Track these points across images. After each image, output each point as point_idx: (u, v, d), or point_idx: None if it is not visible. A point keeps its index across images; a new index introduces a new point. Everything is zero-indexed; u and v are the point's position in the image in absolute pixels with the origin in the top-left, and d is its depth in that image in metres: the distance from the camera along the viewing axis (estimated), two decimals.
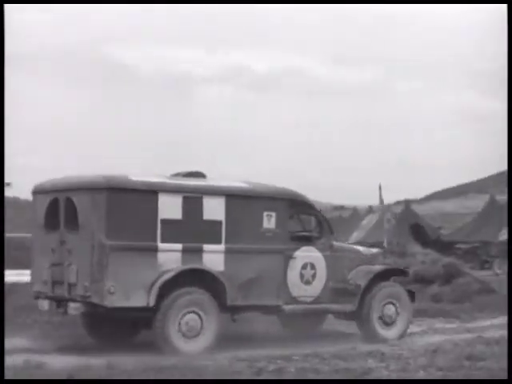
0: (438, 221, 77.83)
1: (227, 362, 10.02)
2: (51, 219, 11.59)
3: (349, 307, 12.65)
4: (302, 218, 12.90)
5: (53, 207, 11.59)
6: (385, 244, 29.51)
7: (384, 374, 9.06)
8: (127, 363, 9.50)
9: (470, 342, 11.52)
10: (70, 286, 11.07)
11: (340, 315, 13.11)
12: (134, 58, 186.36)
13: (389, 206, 40.63)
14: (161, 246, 11.11)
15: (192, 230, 11.34)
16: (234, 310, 11.77)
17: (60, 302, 11.33)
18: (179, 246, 11.23)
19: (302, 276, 12.30)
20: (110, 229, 10.79)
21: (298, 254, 12.29)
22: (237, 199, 11.78)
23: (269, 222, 11.97)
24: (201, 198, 11.45)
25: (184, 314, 11.07)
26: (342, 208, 65.02)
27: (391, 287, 13.13)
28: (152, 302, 10.88)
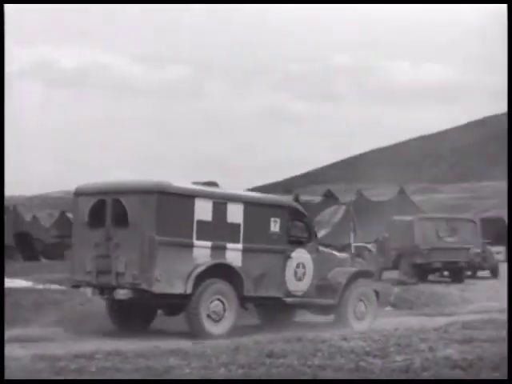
0: None
1: (29, 360, 9.73)
2: (95, 218, 13.34)
3: (331, 301, 14.83)
4: (295, 224, 14.93)
5: (97, 207, 13.32)
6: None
7: (185, 372, 9.00)
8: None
9: (271, 340, 11.65)
10: (118, 274, 12.89)
11: (319, 310, 15.22)
12: None
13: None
14: (196, 242, 13.24)
15: (218, 230, 13.52)
16: (248, 299, 13.95)
17: (103, 290, 13.21)
18: (209, 244, 13.38)
19: (295, 273, 14.53)
20: (158, 226, 12.82)
21: (293, 254, 14.51)
22: (252, 206, 14.08)
23: (274, 226, 14.26)
24: (225, 204, 13.67)
25: (211, 301, 13.21)
26: None
27: (363, 287, 15.39)
28: (189, 290, 12.94)
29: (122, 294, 12.85)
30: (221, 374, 8.97)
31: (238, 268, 13.61)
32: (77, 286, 13.88)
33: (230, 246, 13.65)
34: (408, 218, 28.18)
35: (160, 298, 13.04)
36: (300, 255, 14.65)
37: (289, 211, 14.64)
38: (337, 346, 10.88)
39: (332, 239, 35.59)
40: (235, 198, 13.98)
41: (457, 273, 26.85)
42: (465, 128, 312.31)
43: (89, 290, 13.49)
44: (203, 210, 13.35)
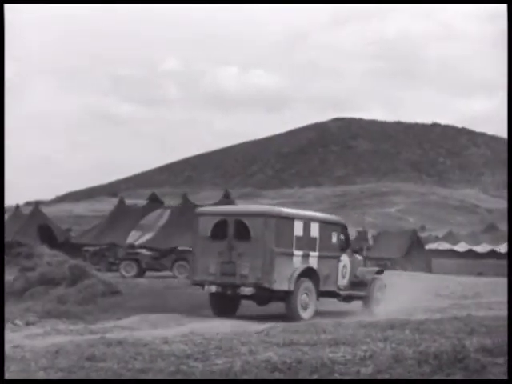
0: (67, 223, 77.60)
1: None
2: (217, 232, 17.46)
3: (363, 293, 19.74)
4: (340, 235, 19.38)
5: (220, 225, 17.45)
6: None
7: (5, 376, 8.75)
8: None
9: (92, 343, 11.51)
10: (242, 276, 17.05)
11: (352, 299, 19.73)
12: None
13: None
14: (295, 252, 17.51)
15: (305, 242, 17.78)
16: (321, 293, 18.24)
17: (226, 287, 17.36)
18: (301, 253, 17.70)
19: (342, 272, 19.22)
20: (276, 241, 17.00)
21: (341, 258, 19.17)
22: (323, 224, 18.55)
23: (333, 238, 18.85)
24: (309, 223, 18.04)
25: (302, 295, 17.49)
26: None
27: (379, 281, 20.48)
28: (292, 287, 17.22)
29: (247, 290, 17.12)
30: (40, 377, 8.79)
31: (317, 270, 18.02)
32: (198, 284, 17.97)
33: (311, 253, 17.99)
34: None
35: (274, 293, 17.21)
36: (344, 258, 19.33)
37: (340, 227, 19.37)
38: (158, 349, 10.89)
39: (157, 243, 35.56)
40: (314, 219, 18.55)
41: None
42: (290, 134, 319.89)
43: (213, 287, 17.53)
44: (298, 228, 17.62)
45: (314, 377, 8.83)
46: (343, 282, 19.20)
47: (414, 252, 46.42)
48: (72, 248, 36.11)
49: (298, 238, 17.54)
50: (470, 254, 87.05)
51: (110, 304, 19.28)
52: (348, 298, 19.70)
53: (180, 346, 11.19)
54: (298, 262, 17.50)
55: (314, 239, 18.08)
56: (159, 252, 34.39)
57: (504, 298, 24.72)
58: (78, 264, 22.25)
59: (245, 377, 8.81)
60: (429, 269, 45.18)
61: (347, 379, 8.77)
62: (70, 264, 21.83)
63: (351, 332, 13.16)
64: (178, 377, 8.88)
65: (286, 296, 17.28)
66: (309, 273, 17.71)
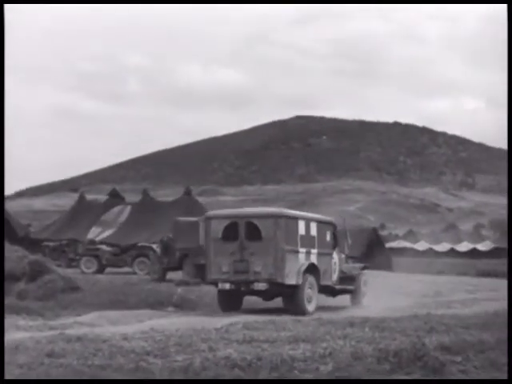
0: (26, 218, 76.97)
1: None
2: (228, 234, 18.54)
3: (352, 287, 21.17)
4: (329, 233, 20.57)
5: (230, 227, 18.55)
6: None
7: None
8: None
9: (52, 339, 11.43)
10: (255, 273, 18.23)
11: (340, 293, 21.03)
12: None
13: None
14: (300, 249, 18.75)
15: (307, 240, 19.07)
16: (321, 287, 19.46)
17: (240, 284, 18.43)
18: (304, 250, 18.94)
19: (333, 268, 20.42)
20: (285, 239, 18.24)
21: (333, 255, 20.47)
22: (320, 224, 19.91)
23: (328, 236, 20.20)
24: (309, 223, 19.40)
25: (307, 289, 18.69)
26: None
27: (364, 275, 22.01)
28: (300, 281, 18.46)
29: (261, 286, 18.25)
30: None
31: (318, 266, 19.26)
32: (212, 282, 18.87)
33: (312, 251, 19.23)
34: (193, 218, 28.44)
35: (285, 287, 18.32)
36: (335, 256, 20.65)
37: (332, 226, 20.80)
38: (117, 345, 10.84)
39: (117, 239, 35.42)
40: (313, 219, 19.85)
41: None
42: (252, 132, 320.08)
43: (227, 285, 18.53)
44: (302, 228, 18.96)
45: (274, 374, 8.85)
46: (334, 277, 20.48)
47: (374, 250, 46.64)
48: (32, 243, 35.87)
49: (301, 236, 18.89)
50: (430, 252, 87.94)
51: (70, 300, 19.17)
52: (338, 292, 21.06)
53: (140, 343, 11.14)
54: (302, 259, 18.83)
55: (314, 238, 19.45)
56: (120, 248, 34.25)
57: (463, 296, 25.04)
58: (38, 259, 22.09)
59: (204, 374, 8.82)
60: (389, 267, 45.42)
61: (347, 379, 8.79)
62: (29, 259, 21.65)
63: (311, 329, 13.21)
64: (137, 374, 8.85)
65: (294, 290, 18.49)
66: (311, 268, 19.02)
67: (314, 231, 19.53)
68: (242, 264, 18.42)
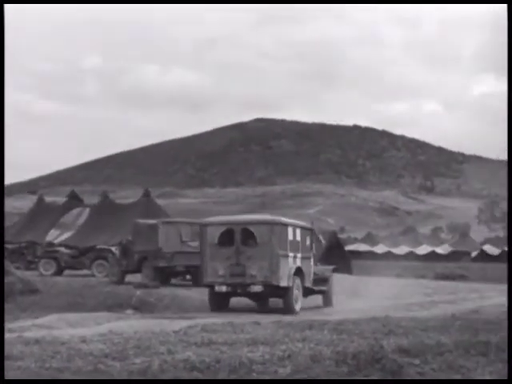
0: None
1: None
2: (224, 240, 19.71)
3: (324, 288, 22.25)
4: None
5: (226, 233, 19.72)
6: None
7: None
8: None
9: (10, 342, 11.32)
10: (251, 276, 19.38)
11: (315, 294, 21.99)
12: None
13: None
14: (289, 254, 20.02)
15: (294, 245, 20.32)
16: (304, 289, 20.77)
17: (236, 286, 19.59)
18: (292, 254, 20.22)
19: (311, 270, 21.59)
20: (279, 245, 19.50)
21: (310, 258, 21.73)
22: (301, 229, 21.19)
23: (308, 241, 21.60)
24: (295, 229, 20.65)
25: (295, 290, 19.94)
26: None
27: (333, 277, 23.05)
28: (290, 283, 19.77)
29: (257, 288, 19.45)
30: None
31: (303, 269, 20.69)
32: (209, 285, 19.93)
33: (297, 255, 20.53)
34: (152, 221, 28.29)
35: (279, 289, 19.57)
36: (312, 259, 21.90)
37: (311, 231, 22.33)
38: (76, 348, 10.78)
39: (76, 241, 35.14)
40: (297, 225, 21.04)
41: (199, 276, 27.32)
42: (212, 134, 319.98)
43: (223, 287, 19.66)
44: (290, 233, 20.19)
45: (233, 376, 8.85)
46: (311, 278, 21.65)
47: (333, 253, 46.77)
48: None
49: (290, 242, 20.14)
50: (389, 255, 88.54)
51: (29, 302, 19.05)
52: (314, 293, 22.06)
53: (98, 345, 11.08)
54: (291, 263, 20.11)
55: (298, 243, 20.79)
56: (78, 250, 33.98)
57: (421, 299, 25.23)
58: None
59: (163, 376, 8.79)
60: (349, 270, 45.59)
61: (347, 379, 8.78)
62: None
63: (270, 332, 13.23)
64: (96, 376, 8.80)
65: (285, 292, 19.80)
66: (298, 271, 20.38)
67: (298, 237, 20.80)
68: (239, 268, 19.58)
